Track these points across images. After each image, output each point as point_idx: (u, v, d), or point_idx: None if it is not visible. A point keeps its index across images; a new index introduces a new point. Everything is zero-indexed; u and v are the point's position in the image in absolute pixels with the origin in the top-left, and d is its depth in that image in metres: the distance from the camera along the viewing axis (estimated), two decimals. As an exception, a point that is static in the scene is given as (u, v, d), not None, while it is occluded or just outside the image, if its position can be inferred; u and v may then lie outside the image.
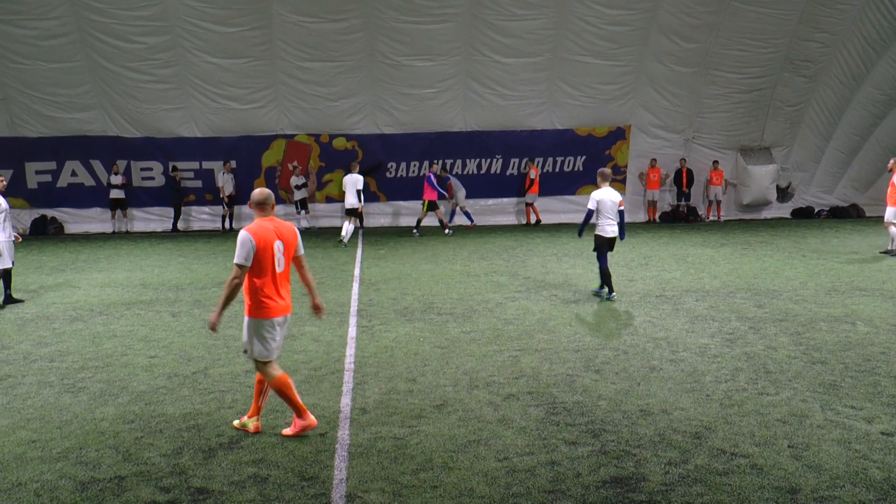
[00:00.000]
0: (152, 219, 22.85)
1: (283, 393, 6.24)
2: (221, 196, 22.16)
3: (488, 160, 23.05)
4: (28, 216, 21.85)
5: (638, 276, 13.64)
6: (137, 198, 22.55)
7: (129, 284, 13.54)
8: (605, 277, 11.61)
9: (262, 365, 6.32)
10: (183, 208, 22.59)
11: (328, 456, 5.89)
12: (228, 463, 5.78)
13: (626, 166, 23.32)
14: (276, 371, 6.34)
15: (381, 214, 23.19)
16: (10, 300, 11.88)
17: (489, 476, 5.50)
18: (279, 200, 22.63)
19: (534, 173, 22.42)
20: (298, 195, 22.02)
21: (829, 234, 20.20)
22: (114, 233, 22.23)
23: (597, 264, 11.84)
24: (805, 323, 10.08)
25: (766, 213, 24.59)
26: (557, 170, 23.20)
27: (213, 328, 6.24)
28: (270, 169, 22.52)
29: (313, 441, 6.17)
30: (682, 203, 23.80)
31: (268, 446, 6.07)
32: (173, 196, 22.19)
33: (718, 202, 23.91)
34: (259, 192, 6.39)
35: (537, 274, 14.03)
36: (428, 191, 19.84)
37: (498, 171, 23.21)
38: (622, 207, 11.49)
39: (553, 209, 23.20)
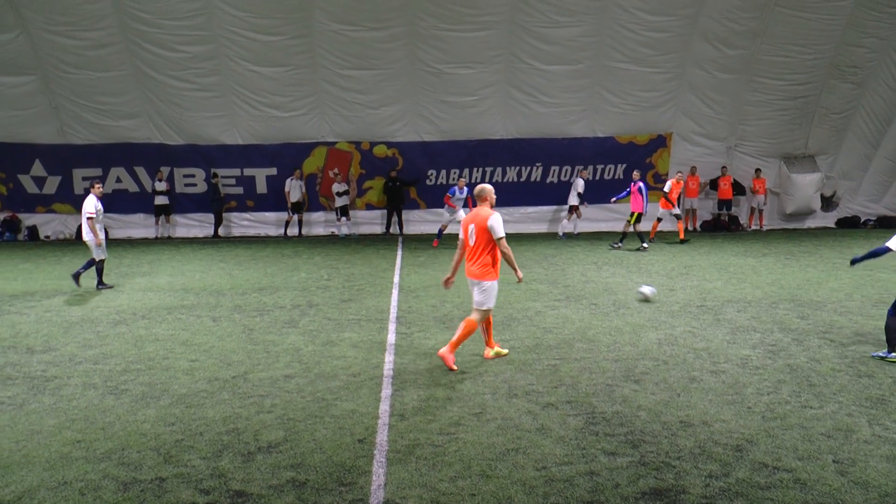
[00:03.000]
0: (194, 224, 23.19)
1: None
2: (287, 202, 22.32)
3: (528, 168, 22.99)
4: (74, 221, 22.33)
5: (678, 286, 13.48)
6: (180, 204, 22.92)
7: (171, 289, 13.76)
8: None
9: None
10: (224, 214, 22.86)
11: (366, 462, 5.90)
12: (267, 467, 5.83)
13: (666, 174, 23.06)
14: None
15: (421, 222, 23.22)
16: (102, 285, 13.90)
17: (527, 485, 5.46)
18: (320, 207, 22.84)
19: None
20: (339, 202, 22.19)
21: (876, 243, 19.66)
22: (156, 238, 22.62)
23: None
24: (850, 335, 9.86)
25: (810, 223, 24.14)
26: (598, 178, 23.04)
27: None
28: (311, 176, 22.74)
29: (352, 447, 6.20)
30: (724, 212, 23.49)
31: (307, 451, 6.11)
32: (214, 202, 22.48)
33: (761, 211, 23.55)
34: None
35: (577, 283, 13.94)
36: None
37: (538, 180, 23.13)
38: None
39: (593, 217, 23.04)
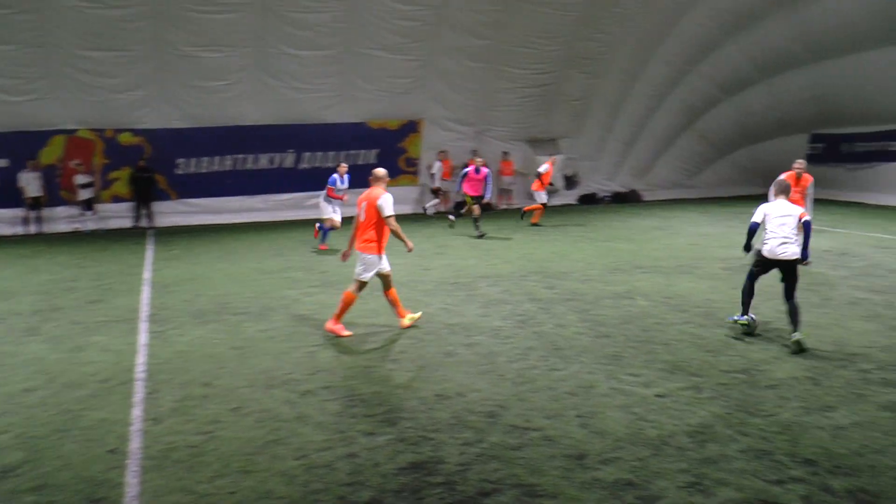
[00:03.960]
0: None
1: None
2: (23, 197, 19.93)
3: (282, 154, 22.48)
4: None
5: (433, 265, 13.83)
6: None
7: None
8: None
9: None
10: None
11: (118, 473, 5.42)
12: (3, 494, 5.15)
13: (418, 159, 23.65)
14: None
15: (172, 213, 21.89)
16: None
17: (287, 476, 5.32)
18: (61, 201, 20.75)
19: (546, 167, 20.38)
20: (84, 195, 20.28)
21: (612, 217, 21.62)
22: None
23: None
24: (591, 301, 10.66)
25: (556, 201, 25.88)
26: (352, 163, 22.99)
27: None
28: (50, 168, 20.55)
29: (103, 459, 5.66)
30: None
31: (51, 470, 5.48)
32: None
33: (509, 191, 24.88)
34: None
35: (333, 268, 13.83)
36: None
37: (292, 166, 22.68)
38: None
39: (347, 202, 22.84)
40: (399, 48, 21.18)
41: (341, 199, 16.42)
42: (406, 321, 9.38)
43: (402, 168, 23.58)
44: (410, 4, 20.30)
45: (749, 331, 8.91)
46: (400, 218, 9.68)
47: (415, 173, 23.76)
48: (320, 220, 16.40)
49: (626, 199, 26.55)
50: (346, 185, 16.68)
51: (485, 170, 18.27)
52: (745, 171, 30.95)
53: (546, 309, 10.19)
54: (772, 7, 23.83)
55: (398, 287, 11.59)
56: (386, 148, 23.06)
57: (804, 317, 8.68)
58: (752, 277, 8.94)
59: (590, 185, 26.88)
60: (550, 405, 6.54)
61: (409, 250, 9.31)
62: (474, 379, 7.28)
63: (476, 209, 18.12)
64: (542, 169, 20.15)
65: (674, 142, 27.98)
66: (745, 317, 8.96)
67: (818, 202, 26.06)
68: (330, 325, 9.15)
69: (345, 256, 9.51)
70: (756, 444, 5.76)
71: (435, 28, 21.16)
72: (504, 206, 24.89)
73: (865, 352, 8.21)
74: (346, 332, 9.05)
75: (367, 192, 9.13)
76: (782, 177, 12.55)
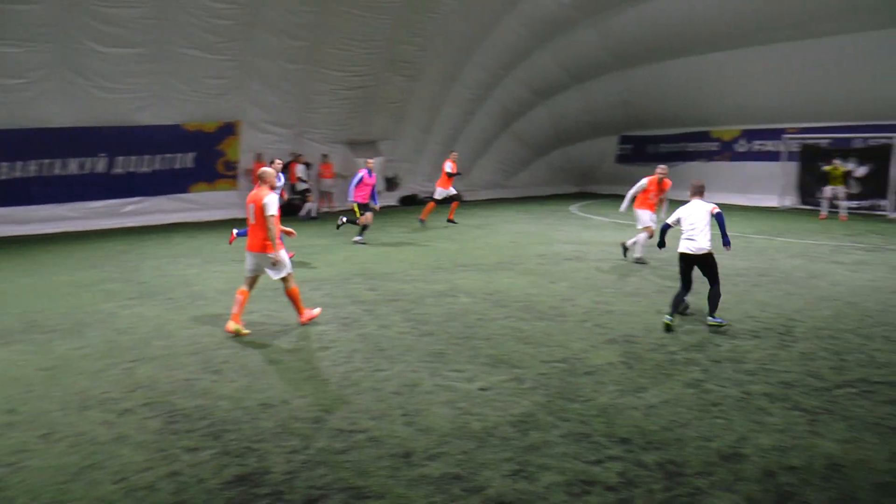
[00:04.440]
0: None
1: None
2: None
3: (92, 159, 20.95)
4: None
5: (257, 271, 13.42)
6: None
7: None
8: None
9: None
10: None
11: None
12: None
13: (237, 162, 22.91)
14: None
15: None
16: None
17: (106, 501, 4.93)
18: None
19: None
20: None
21: (432, 218, 21.92)
22: None
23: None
24: (414, 300, 10.75)
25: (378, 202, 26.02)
26: (168, 167, 21.95)
27: None
28: None
29: None
30: (297, 196, 24.09)
31: None
32: None
33: (330, 194, 24.67)
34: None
35: (152, 278, 13.09)
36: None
37: (104, 171, 21.19)
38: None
39: (165, 209, 21.88)
40: (213, 48, 20.38)
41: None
42: (233, 327, 9.10)
43: (220, 172, 22.72)
44: (223, 3, 19.59)
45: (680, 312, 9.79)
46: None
47: (234, 177, 22.96)
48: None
49: (443, 200, 27.08)
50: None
51: (374, 174, 17.34)
52: (560, 171, 32.62)
53: (370, 310, 10.17)
54: (580, 17, 25.24)
55: (219, 297, 11.20)
56: (203, 151, 22.14)
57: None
58: (683, 275, 9.59)
59: (410, 187, 27.22)
60: (376, 406, 6.50)
61: (272, 255, 9.21)
62: (299, 385, 7.12)
63: (370, 217, 17.19)
64: (448, 168, 20.43)
65: (492, 144, 28.95)
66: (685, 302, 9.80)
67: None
68: (301, 319, 9.49)
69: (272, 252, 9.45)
70: (576, 428, 6.01)
71: (250, 28, 20.57)
72: (325, 209, 24.62)
73: (672, 335, 8.85)
74: (316, 311, 9.70)
75: (253, 192, 9.31)
76: (645, 181, 13.43)
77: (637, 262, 13.71)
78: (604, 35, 26.05)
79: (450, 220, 20.94)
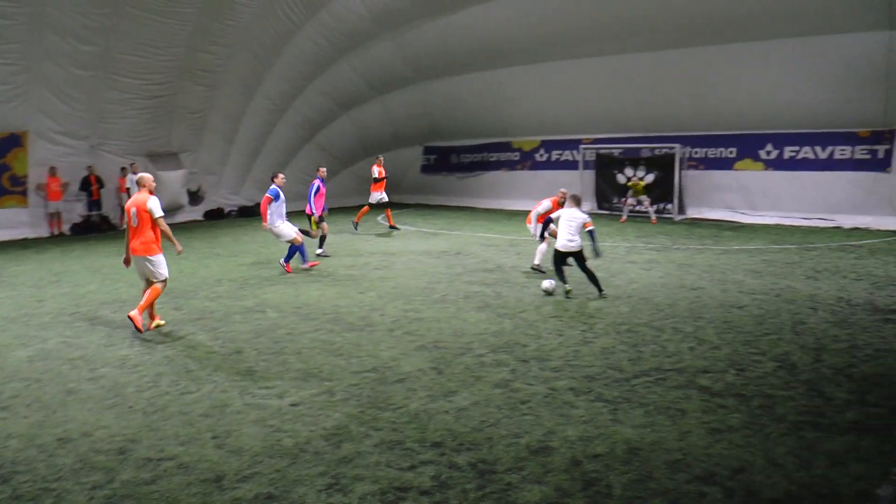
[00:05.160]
0: None
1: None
2: None
3: None
4: None
5: (48, 295, 12.56)
6: None
7: None
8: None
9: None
10: None
11: None
12: None
13: (25, 176, 21.16)
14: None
15: None
16: None
17: None
18: None
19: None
20: None
21: (240, 231, 21.54)
22: None
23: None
24: (221, 318, 10.58)
25: (181, 217, 25.01)
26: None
27: None
28: None
29: None
30: (95, 213, 22.74)
31: None
32: None
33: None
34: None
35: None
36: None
37: None
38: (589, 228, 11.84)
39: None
40: (-8, 50, 18.71)
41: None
42: (153, 324, 10.03)
43: (6, 188, 20.80)
44: (3, 0, 18.01)
45: (567, 291, 11.81)
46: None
47: (23, 193, 21.13)
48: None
49: (252, 213, 26.56)
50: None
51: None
52: (367, 181, 32.85)
53: (175, 331, 9.88)
54: (379, 30, 25.64)
55: (7, 325, 10.40)
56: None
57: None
58: (557, 264, 12.02)
59: (215, 200, 26.42)
60: (184, 430, 6.38)
61: (179, 252, 10.31)
62: (100, 415, 6.81)
63: (326, 226, 16.34)
64: (374, 173, 20.82)
65: (296, 155, 28.70)
66: (566, 285, 11.85)
67: (436, 208, 28.75)
68: (134, 313, 9.64)
69: (127, 262, 10.15)
70: (388, 436, 6.23)
71: (34, 29, 19.04)
72: (125, 227, 23.29)
73: (480, 338, 9.32)
74: (141, 326, 9.70)
75: (133, 198, 9.96)
76: (548, 202, 13.91)
77: (536, 270, 14.13)
78: (403, 48, 26.65)
79: (392, 227, 21.16)
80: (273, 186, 14.18)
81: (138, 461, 5.80)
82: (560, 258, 11.99)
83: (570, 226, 11.76)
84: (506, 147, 29.62)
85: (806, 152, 22.26)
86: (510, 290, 12.34)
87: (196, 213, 25.63)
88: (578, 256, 11.86)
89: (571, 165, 27.23)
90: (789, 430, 6.29)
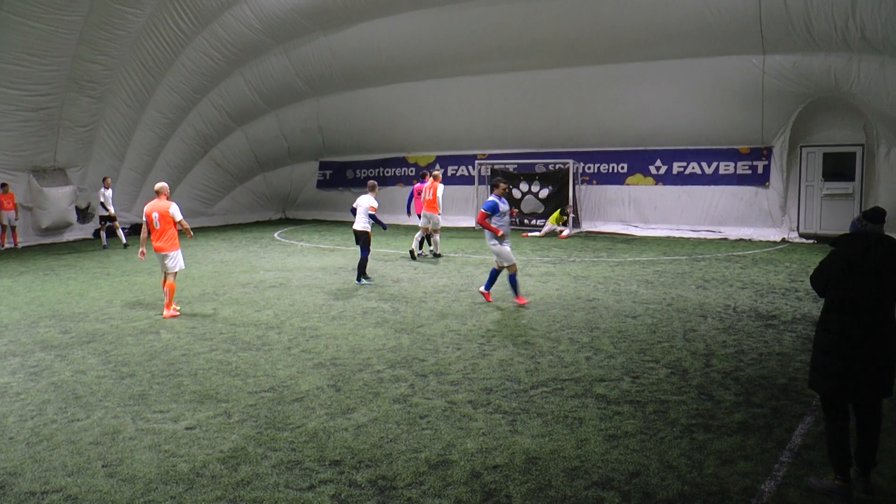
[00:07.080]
0: None
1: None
2: None
3: None
4: None
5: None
6: None
7: None
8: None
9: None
10: None
11: None
12: None
13: None
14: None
15: None
16: None
17: None
18: None
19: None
20: None
21: (132, 250, 20.77)
22: None
23: None
24: (112, 340, 10.21)
25: (69, 235, 24.00)
26: None
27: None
28: None
29: None
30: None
31: None
32: None
33: (13, 227, 22.30)
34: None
35: None
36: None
37: None
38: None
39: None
40: None
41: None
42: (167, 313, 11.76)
43: None
44: None
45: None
46: None
47: None
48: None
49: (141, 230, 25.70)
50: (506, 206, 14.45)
51: None
52: (263, 197, 32.43)
53: (62, 356, 9.48)
54: (272, 43, 25.41)
55: None
56: None
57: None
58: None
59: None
60: (72, 460, 6.13)
61: (189, 237, 12.56)
62: (-21, 447, 6.47)
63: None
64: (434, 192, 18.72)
65: (190, 170, 28.03)
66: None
67: (333, 223, 28.56)
68: (168, 314, 11.74)
69: (142, 255, 12.08)
70: (286, 456, 6.16)
71: None
72: (8, 246, 22.19)
73: (378, 354, 9.33)
74: (172, 313, 11.83)
75: (153, 203, 11.89)
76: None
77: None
78: (296, 62, 26.51)
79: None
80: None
81: (21, 496, 5.53)
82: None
83: (359, 209, 14.58)
84: (401, 162, 29.79)
85: (693, 168, 23.37)
86: (407, 306, 12.41)
87: (86, 232, 24.61)
88: (361, 236, 14.50)
89: (467, 181, 27.65)
90: (682, 433, 6.59)
